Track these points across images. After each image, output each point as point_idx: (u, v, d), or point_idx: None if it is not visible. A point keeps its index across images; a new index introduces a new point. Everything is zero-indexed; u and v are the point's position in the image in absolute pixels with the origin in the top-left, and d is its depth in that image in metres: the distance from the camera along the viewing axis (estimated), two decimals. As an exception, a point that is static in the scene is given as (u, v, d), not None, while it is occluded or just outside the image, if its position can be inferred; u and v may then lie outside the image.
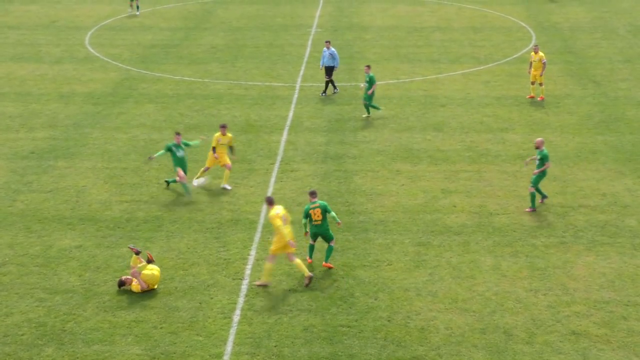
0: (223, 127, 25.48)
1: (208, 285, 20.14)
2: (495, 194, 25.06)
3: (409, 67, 38.16)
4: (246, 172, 26.66)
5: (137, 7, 50.21)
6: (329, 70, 33.80)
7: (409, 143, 29.08)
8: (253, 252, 21.71)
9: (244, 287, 20.09)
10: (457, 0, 52.45)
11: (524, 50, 40.58)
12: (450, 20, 47.12)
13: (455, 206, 24.21)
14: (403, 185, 25.73)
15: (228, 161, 25.51)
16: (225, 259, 21.36)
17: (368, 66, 31.35)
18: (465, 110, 32.33)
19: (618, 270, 20.60)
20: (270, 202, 20.37)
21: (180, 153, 24.94)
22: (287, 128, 30.59)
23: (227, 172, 25.58)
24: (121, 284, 19.95)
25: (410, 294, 19.76)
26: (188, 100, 33.79)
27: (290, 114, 32.10)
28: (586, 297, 19.46)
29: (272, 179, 26.15)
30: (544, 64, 32.64)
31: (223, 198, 24.86)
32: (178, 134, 25.16)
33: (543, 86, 33.09)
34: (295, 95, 34.23)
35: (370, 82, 30.82)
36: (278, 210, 20.11)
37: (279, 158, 27.82)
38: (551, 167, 26.32)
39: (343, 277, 20.51)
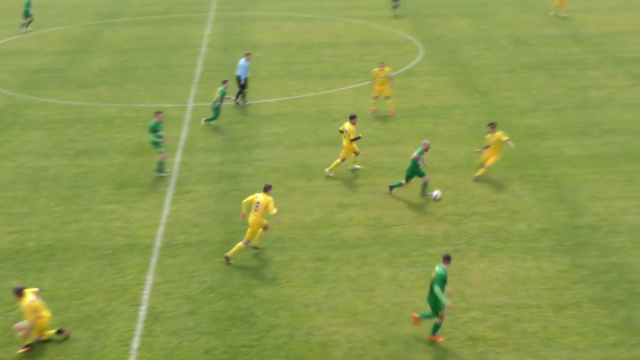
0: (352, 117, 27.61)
1: (105, 314, 19.68)
2: (390, 205, 25.40)
3: (300, 84, 38.38)
4: (140, 196, 26.22)
5: (28, 24, 49.53)
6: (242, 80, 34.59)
7: (303, 159, 29.20)
8: (150, 277, 21.34)
9: (142, 313, 19.71)
10: (345, 16, 53.14)
11: (413, 63, 41.39)
12: (339, 36, 47.68)
13: (351, 220, 24.41)
14: (299, 201, 25.79)
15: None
16: (121, 286, 20.92)
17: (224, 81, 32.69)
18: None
19: (510, 275, 21.16)
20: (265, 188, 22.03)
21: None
22: (180, 149, 30.27)
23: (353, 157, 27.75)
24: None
25: (310, 310, 19.79)
26: (77, 125, 33.03)
27: (183, 134, 31.79)
28: (482, 303, 19.91)
29: (167, 201, 25.81)
30: (391, 78, 33.61)
31: (117, 223, 24.37)
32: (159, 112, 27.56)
33: (391, 99, 33.81)
34: (188, 116, 33.92)
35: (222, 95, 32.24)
36: (258, 196, 21.82)
37: (173, 180, 27.48)
38: (443, 177, 26.94)
39: (243, 297, 20.38)
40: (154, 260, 22.23)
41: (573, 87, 37.06)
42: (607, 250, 22.39)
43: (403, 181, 25.87)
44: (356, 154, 27.89)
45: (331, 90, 37.26)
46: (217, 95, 32.31)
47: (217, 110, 32.40)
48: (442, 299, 17.71)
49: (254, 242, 22.51)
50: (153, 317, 19.56)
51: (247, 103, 35.32)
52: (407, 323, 19.11)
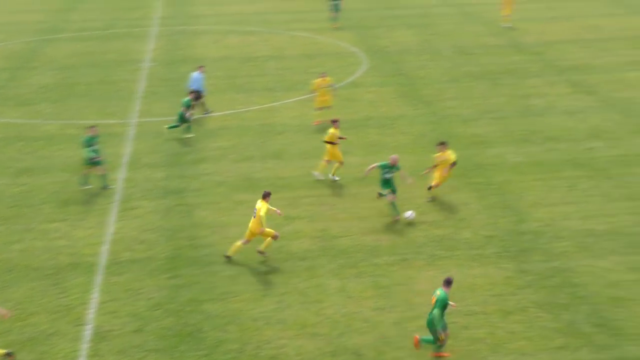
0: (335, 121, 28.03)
1: (49, 335, 19.32)
2: (337, 217, 25.43)
3: (244, 97, 38.30)
4: (83, 214, 25.86)
5: None
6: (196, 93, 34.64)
7: (249, 172, 29.11)
8: (95, 296, 21.02)
9: (88, 332, 19.40)
10: (288, 29, 53.23)
11: (357, 75, 41.61)
12: (283, 49, 47.72)
13: (298, 232, 24.38)
14: (246, 215, 25.61)
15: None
16: (65, 306, 20.57)
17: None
18: (303, 137, 32.73)
19: (457, 282, 21.25)
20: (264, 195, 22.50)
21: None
22: (124, 165, 29.95)
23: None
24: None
25: (259, 324, 19.69)
26: (18, 144, 32.47)
27: (128, 150, 31.46)
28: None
29: (112, 219, 25.49)
30: (333, 88, 34.14)
31: (60, 242, 23.99)
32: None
33: (325, 110, 33.95)
34: (132, 132, 33.60)
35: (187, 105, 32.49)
36: (258, 204, 22.36)
37: (117, 197, 27.16)
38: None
39: (190, 313, 20.19)
40: (99, 279, 21.91)
41: (515, 96, 37.60)
42: (550, 255, 22.70)
43: (385, 193, 25.35)
44: (337, 162, 28.15)
45: (276, 103, 37.24)
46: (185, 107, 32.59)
47: (182, 118, 32.48)
48: (437, 324, 17.48)
49: (263, 248, 22.83)
50: (99, 336, 19.27)
51: (193, 117, 34.92)
52: (356, 333, 19.13)
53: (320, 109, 34.09)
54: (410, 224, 24.66)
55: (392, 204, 25.00)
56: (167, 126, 32.92)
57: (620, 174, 28.17)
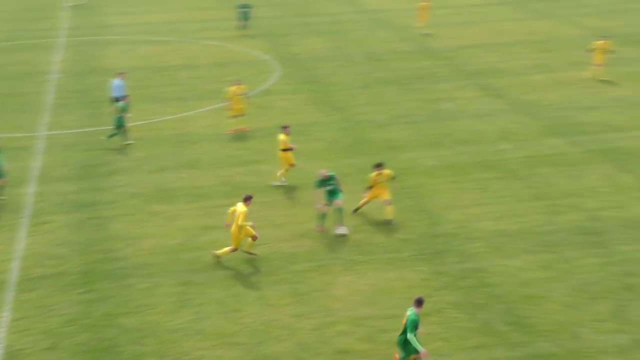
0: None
1: (-42, 356, 18.71)
2: (254, 225, 25.30)
3: (157, 107, 37.87)
4: (-8, 230, 25.16)
5: None
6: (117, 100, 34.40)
7: (164, 183, 28.79)
8: (6, 314, 20.44)
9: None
10: (200, 37, 52.88)
11: (270, 82, 41.62)
12: (195, 58, 47.39)
13: (215, 242, 24.20)
14: (161, 226, 25.39)
15: None
16: (-25, 325, 19.96)
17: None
18: (217, 146, 32.55)
19: (375, 286, 21.50)
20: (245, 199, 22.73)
21: None
22: (34, 179, 29.23)
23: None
24: None
25: (177, 335, 19.47)
26: None
27: (37, 164, 30.72)
28: (348, 316, 20.12)
29: (22, 234, 24.84)
30: (247, 96, 34.41)
31: (-32, 260, 23.28)
32: None
33: (240, 118, 34.09)
34: (41, 145, 32.83)
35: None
36: (238, 206, 22.56)
37: (27, 212, 26.48)
38: (304, 194, 27.16)
39: (106, 327, 19.82)
40: (9, 296, 21.31)
41: (426, 100, 38.20)
42: (464, 256, 23.11)
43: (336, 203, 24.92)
44: (292, 165, 28.30)
45: (189, 113, 36.94)
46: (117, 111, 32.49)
47: (120, 124, 32.40)
48: (417, 347, 16.97)
49: (246, 247, 23.17)
50: (10, 355, 18.74)
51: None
52: (275, 341, 19.10)
53: (235, 117, 33.99)
54: (327, 230, 24.74)
55: (323, 215, 24.66)
56: (106, 136, 32.66)
57: (529, 174, 28.89)
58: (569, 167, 29.41)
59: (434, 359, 18.41)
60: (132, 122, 35.28)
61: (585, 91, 39.04)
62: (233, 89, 33.87)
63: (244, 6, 54.03)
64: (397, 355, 17.89)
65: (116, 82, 35.08)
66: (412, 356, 17.35)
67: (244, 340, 19.22)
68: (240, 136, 33.61)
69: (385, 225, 24.96)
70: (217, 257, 22.97)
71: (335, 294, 21.18)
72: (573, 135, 32.78)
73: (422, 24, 52.95)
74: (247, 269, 22.58)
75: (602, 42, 40.71)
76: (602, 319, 19.79)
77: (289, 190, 27.86)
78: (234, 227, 22.53)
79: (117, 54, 48.79)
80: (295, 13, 61.00)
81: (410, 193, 27.48)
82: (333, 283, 21.74)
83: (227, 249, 22.86)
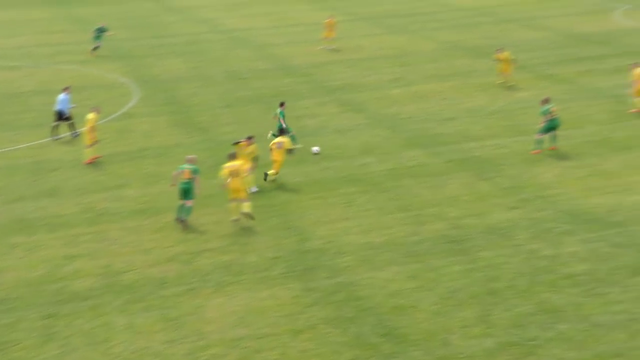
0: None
1: None
2: (120, 251, 24.74)
3: (11, 135, 36.48)
4: None
5: None
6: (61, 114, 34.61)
7: (22, 213, 27.71)
8: None
9: None
10: (54, 62, 51.39)
11: (129, 105, 40.86)
12: (49, 83, 45.93)
13: (79, 271, 23.47)
14: (21, 258, 24.41)
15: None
16: None
17: None
18: (78, 172, 31.65)
19: (247, 306, 21.35)
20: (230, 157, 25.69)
21: None
22: None
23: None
24: None
25: (43, 372, 18.71)
26: None
27: None
28: (221, 338, 19.89)
29: None
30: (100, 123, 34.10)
31: None
32: None
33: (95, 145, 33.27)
34: None
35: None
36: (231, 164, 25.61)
37: None
38: (167, 217, 26.77)
39: (-34, 369, 18.83)
40: None
41: (288, 117, 38.19)
42: (334, 271, 23.30)
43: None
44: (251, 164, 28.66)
45: (46, 139, 35.74)
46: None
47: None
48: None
49: (248, 209, 25.64)
50: None
51: (77, 133, 35.26)
52: (147, 370, 18.65)
53: (91, 145, 32.82)
54: (195, 252, 24.44)
55: (189, 208, 26.03)
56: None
57: (392, 186, 29.48)
58: (430, 178, 30.21)
59: (309, 376, 18.44)
60: (-15, 151, 33.87)
61: (442, 103, 40.31)
62: (91, 116, 32.83)
63: (100, 29, 52.97)
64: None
65: (61, 96, 35.03)
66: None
67: (115, 371, 18.67)
68: (100, 162, 32.77)
69: (248, 245, 24.89)
70: (246, 215, 25.79)
71: (207, 317, 20.90)
72: (433, 147, 33.73)
73: (329, 38, 53.39)
74: (114, 297, 21.97)
75: (505, 53, 42.66)
76: (470, 324, 20.34)
77: (153, 213, 27.36)
78: (235, 182, 25.62)
79: (-35, 81, 46.77)
80: (152, 34, 60.29)
81: (278, 211, 27.52)
82: (204, 306, 21.45)
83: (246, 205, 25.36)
